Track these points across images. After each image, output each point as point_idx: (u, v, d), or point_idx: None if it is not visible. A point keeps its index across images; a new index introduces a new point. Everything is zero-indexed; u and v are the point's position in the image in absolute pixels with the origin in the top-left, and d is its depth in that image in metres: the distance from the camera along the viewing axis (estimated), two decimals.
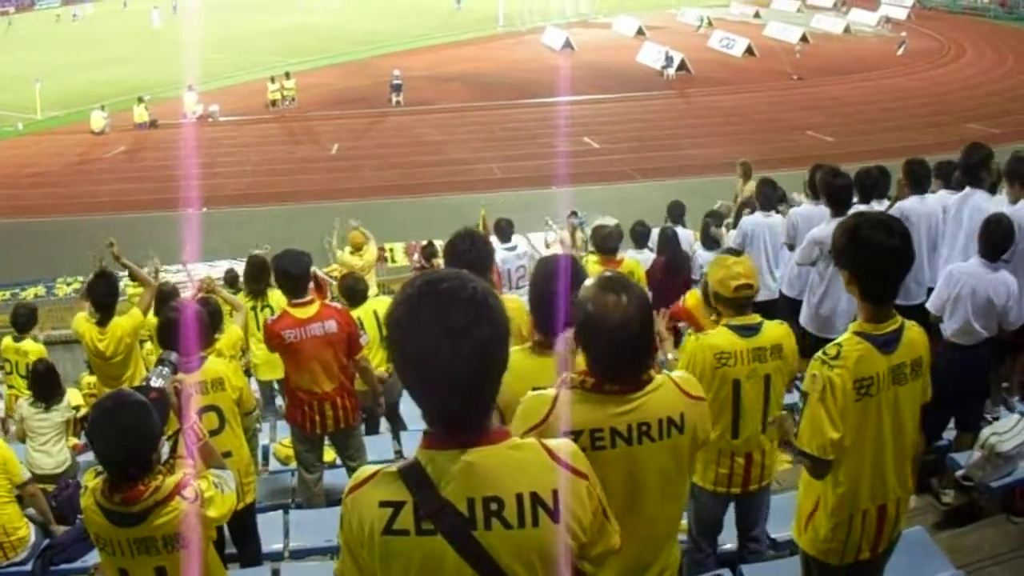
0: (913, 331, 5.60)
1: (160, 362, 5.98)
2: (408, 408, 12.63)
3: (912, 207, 11.09)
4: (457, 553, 3.27)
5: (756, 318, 6.99)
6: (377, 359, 11.53)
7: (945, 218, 10.95)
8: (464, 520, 3.27)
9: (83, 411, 12.56)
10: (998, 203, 10.40)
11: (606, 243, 12.48)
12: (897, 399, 5.50)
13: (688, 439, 4.61)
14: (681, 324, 10.19)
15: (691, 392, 4.74)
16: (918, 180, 11.61)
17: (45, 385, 11.11)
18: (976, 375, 9.42)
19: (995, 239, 9.07)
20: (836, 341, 5.52)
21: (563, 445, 3.57)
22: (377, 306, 12.07)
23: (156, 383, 5.68)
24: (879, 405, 5.43)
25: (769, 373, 6.90)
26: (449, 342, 3.14)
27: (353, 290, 12.05)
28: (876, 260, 5.34)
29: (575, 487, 3.45)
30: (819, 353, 5.48)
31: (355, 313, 11.45)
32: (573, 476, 3.46)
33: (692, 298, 9.10)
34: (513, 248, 15.57)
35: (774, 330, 7.01)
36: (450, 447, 3.31)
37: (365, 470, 3.48)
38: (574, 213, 17.74)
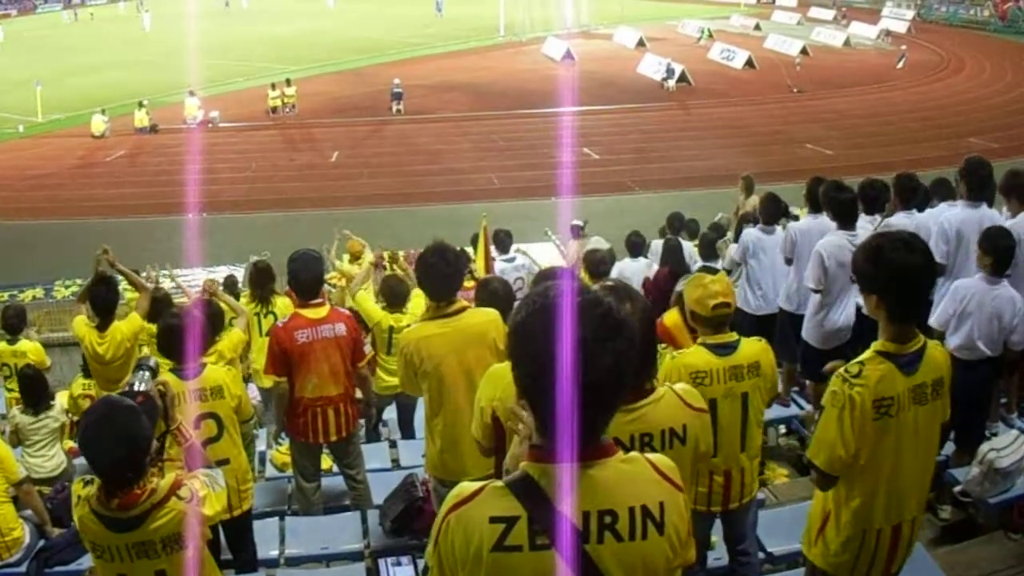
0: (936, 351, 5.62)
1: (139, 367, 5.99)
2: (392, 417, 12.74)
3: (899, 223, 11.03)
4: (568, 567, 3.22)
5: (733, 336, 7.01)
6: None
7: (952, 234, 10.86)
8: (578, 534, 3.24)
9: (76, 416, 12.58)
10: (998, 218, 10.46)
11: (598, 268, 12.84)
12: (917, 419, 5.51)
13: (690, 450, 4.62)
14: (661, 346, 10.19)
15: (693, 404, 4.75)
16: (906, 196, 11.64)
17: (32, 391, 11.16)
18: (978, 391, 9.38)
19: (999, 252, 9.06)
20: (858, 359, 5.53)
21: (663, 459, 3.58)
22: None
23: (139, 387, 5.69)
24: (899, 425, 5.44)
25: (746, 391, 6.91)
26: (587, 354, 3.13)
27: (395, 291, 12.09)
28: (902, 281, 5.35)
29: (676, 500, 3.46)
30: (841, 370, 5.49)
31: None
32: (675, 490, 3.48)
33: (671, 317, 9.08)
34: (511, 260, 15.61)
35: (751, 347, 7.02)
36: (566, 460, 3.25)
37: (466, 486, 3.40)
38: (581, 224, 17.80)
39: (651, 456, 3.54)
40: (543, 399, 3.23)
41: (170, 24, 79.76)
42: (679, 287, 11.72)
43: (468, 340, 7.73)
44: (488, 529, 3.24)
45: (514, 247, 17.43)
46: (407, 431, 12.52)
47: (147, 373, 5.90)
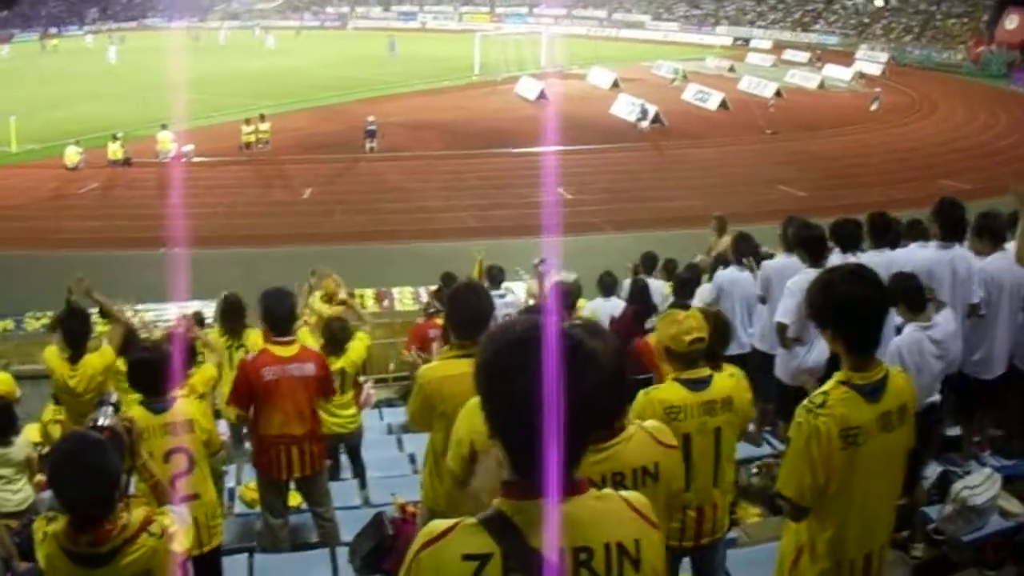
0: (898, 378, 5.65)
1: (101, 403, 5.95)
2: (369, 455, 12.68)
3: (871, 261, 11.06)
4: None
5: (706, 371, 7.05)
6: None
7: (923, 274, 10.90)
8: (555, 571, 3.18)
9: (46, 448, 12.49)
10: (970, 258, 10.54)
11: (565, 300, 12.63)
12: (885, 446, 5.52)
13: (664, 488, 4.60)
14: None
15: (665, 441, 4.73)
16: (879, 234, 11.73)
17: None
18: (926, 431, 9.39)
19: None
20: (822, 389, 5.54)
21: (637, 497, 3.55)
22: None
23: (103, 423, 5.65)
24: (867, 453, 5.45)
25: (719, 426, 6.95)
26: (559, 388, 3.08)
27: (335, 334, 12.04)
28: (853, 312, 5.37)
29: (652, 538, 3.43)
30: (805, 401, 5.51)
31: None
32: (650, 527, 3.45)
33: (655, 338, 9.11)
34: (503, 296, 15.61)
35: (724, 382, 7.07)
36: (540, 496, 3.20)
37: (437, 524, 3.33)
38: (541, 261, 17.80)
39: (625, 493, 3.52)
40: (515, 435, 3.21)
41: (142, 58, 80.00)
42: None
43: None
44: (461, 567, 3.18)
45: (506, 285, 17.47)
46: (357, 470, 12.60)
47: (110, 408, 5.85)
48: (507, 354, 3.21)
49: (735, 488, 8.33)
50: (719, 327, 8.46)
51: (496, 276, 16.33)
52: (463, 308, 7.48)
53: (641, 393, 6.98)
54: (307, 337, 11.92)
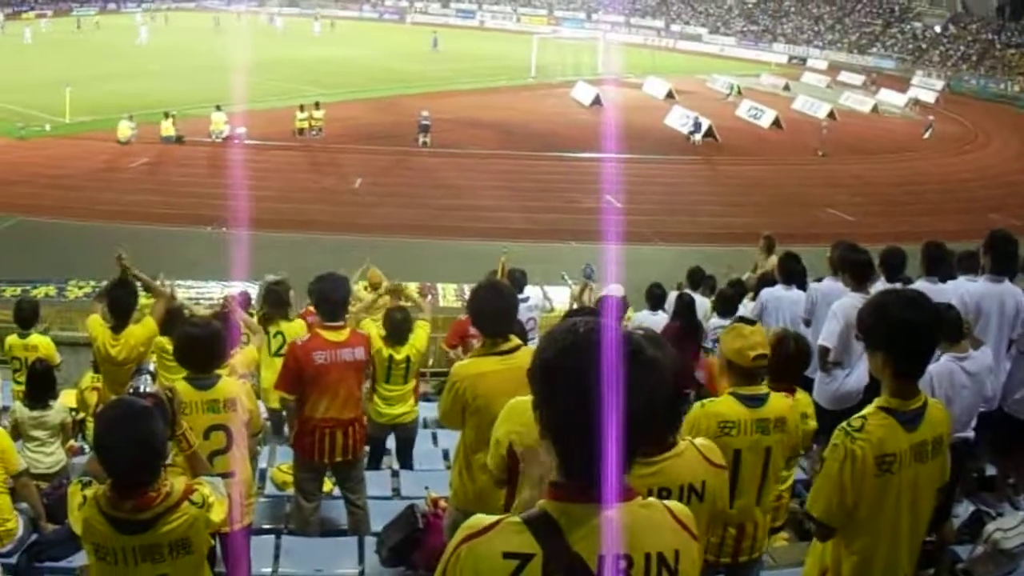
0: (935, 409, 5.61)
1: (139, 371, 6.00)
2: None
3: (922, 289, 10.98)
4: None
5: (764, 388, 7.01)
6: None
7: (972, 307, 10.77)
8: None
9: (81, 414, 12.57)
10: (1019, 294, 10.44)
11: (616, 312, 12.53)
12: (917, 477, 5.50)
13: (708, 507, 4.60)
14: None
15: (714, 460, 4.73)
16: (933, 264, 11.59)
17: (39, 385, 11.19)
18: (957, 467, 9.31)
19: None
20: (861, 414, 5.52)
21: (681, 508, 3.53)
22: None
23: (145, 390, 5.70)
24: (899, 482, 5.43)
25: (770, 446, 6.90)
26: (619, 393, 3.07)
27: (397, 324, 12.06)
28: (907, 337, 5.33)
29: (691, 549, 3.41)
30: (843, 424, 5.48)
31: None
32: (691, 538, 3.43)
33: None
34: (525, 300, 15.58)
35: (779, 402, 7.02)
36: (588, 501, 3.19)
37: (481, 518, 3.31)
38: (588, 268, 17.76)
39: (669, 503, 3.50)
40: (570, 438, 3.19)
41: (202, 38, 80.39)
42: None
43: (523, 379, 7.57)
44: (500, 564, 3.17)
45: (534, 288, 17.40)
46: (406, 462, 12.57)
47: (148, 376, 5.91)
48: (571, 355, 3.18)
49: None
50: (802, 350, 8.46)
51: (518, 280, 16.33)
52: (486, 307, 7.54)
53: (696, 405, 6.97)
54: (371, 327, 11.99)
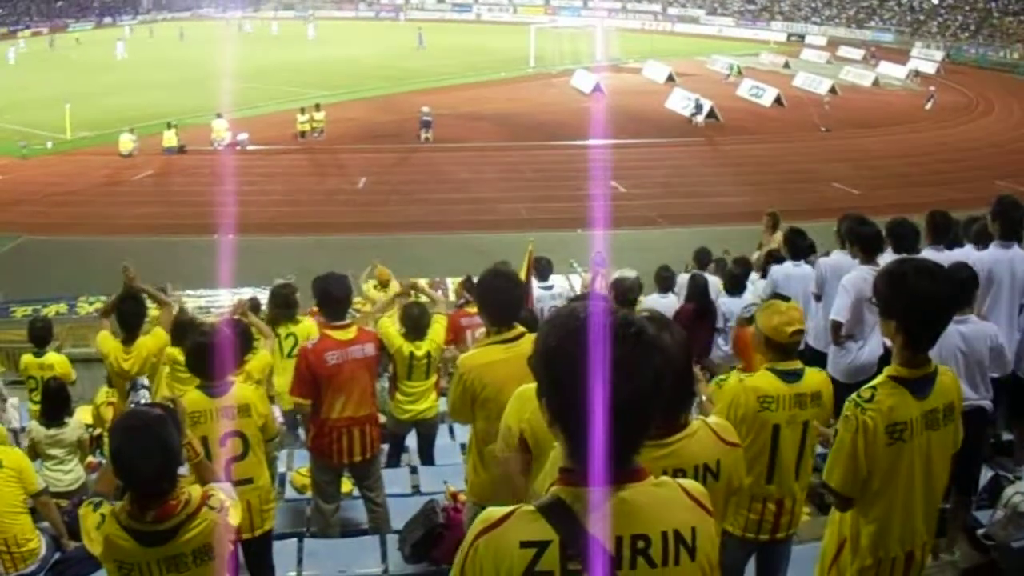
0: (946, 376, 5.61)
1: (135, 387, 6.04)
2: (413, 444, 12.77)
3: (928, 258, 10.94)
4: None
5: (799, 364, 6.98)
6: None
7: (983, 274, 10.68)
8: (611, 559, 3.18)
9: (98, 430, 12.59)
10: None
11: (626, 296, 12.43)
12: (929, 444, 5.51)
13: (723, 486, 4.58)
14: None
15: (727, 438, 4.71)
16: (939, 233, 11.52)
17: (53, 403, 11.21)
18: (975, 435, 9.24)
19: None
20: (870, 384, 5.52)
21: (694, 485, 3.53)
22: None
23: (145, 403, 5.73)
24: (911, 450, 5.44)
25: (807, 419, 6.88)
26: (621, 375, 3.07)
27: (415, 320, 12.05)
28: (924, 307, 5.32)
29: (707, 526, 3.41)
30: (853, 395, 5.48)
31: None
32: (706, 515, 3.42)
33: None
34: (550, 287, 15.58)
35: (814, 377, 7.01)
36: (599, 484, 3.18)
37: (494, 511, 3.31)
38: (597, 255, 17.75)
39: (682, 481, 3.49)
40: (576, 422, 3.16)
41: (199, 47, 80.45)
42: (744, 312, 11.65)
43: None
44: (519, 554, 3.16)
45: (558, 276, 17.42)
46: (427, 458, 12.54)
47: (144, 391, 5.95)
48: (572, 339, 3.16)
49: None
50: None
51: (543, 269, 16.28)
52: (493, 295, 7.49)
53: (735, 378, 6.98)
54: (388, 326, 12.00)
